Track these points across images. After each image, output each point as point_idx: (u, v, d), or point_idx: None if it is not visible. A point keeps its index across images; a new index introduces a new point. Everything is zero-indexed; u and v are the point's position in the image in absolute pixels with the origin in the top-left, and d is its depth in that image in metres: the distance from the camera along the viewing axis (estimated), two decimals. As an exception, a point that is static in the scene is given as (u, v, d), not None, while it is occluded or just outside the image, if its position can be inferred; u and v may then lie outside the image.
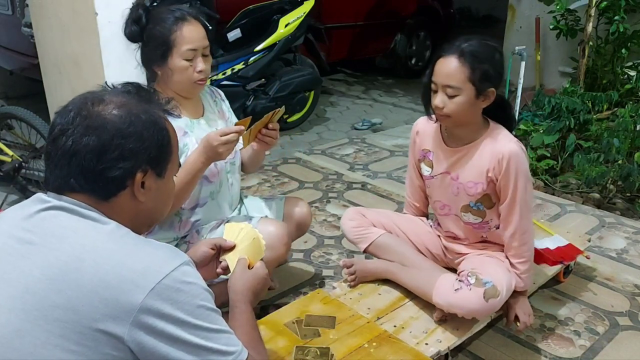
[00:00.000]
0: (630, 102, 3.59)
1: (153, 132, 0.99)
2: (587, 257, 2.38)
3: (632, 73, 3.99)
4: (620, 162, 3.17)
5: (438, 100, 1.66)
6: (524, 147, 1.73)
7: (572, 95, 3.65)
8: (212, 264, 1.35)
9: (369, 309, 1.86)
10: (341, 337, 1.70)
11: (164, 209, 1.11)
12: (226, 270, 1.32)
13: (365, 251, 2.03)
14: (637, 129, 3.26)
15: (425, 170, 1.88)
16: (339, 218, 2.90)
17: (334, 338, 1.70)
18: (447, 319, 1.79)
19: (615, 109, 3.72)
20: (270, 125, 1.80)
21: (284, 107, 1.83)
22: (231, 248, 1.34)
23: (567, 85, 3.89)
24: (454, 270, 1.94)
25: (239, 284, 1.22)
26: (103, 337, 0.87)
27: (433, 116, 1.77)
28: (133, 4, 1.77)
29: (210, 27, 1.83)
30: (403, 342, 1.71)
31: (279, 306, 1.98)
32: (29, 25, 3.27)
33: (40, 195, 0.99)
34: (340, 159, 3.81)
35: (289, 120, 4.38)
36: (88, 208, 0.96)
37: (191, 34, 1.73)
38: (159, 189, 1.04)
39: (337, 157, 3.83)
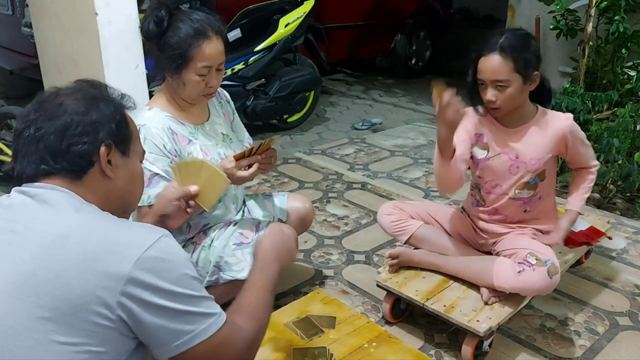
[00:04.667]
0: (630, 102, 3.58)
1: (110, 108, 1.06)
2: (610, 238, 2.44)
3: (632, 73, 3.98)
4: (620, 162, 3.17)
5: (490, 95, 1.78)
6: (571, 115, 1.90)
7: (572, 95, 3.65)
8: (180, 209, 1.45)
9: (416, 291, 1.91)
10: (341, 337, 1.71)
11: (135, 193, 1.15)
12: (195, 207, 1.44)
13: (406, 243, 2.10)
14: (637, 129, 3.25)
15: (480, 153, 1.94)
16: (339, 218, 2.91)
17: (334, 338, 1.70)
18: (499, 299, 1.86)
19: (615, 109, 3.71)
20: (263, 155, 1.78)
21: (278, 136, 1.85)
22: (196, 194, 1.44)
23: (567, 85, 3.89)
24: (487, 253, 2.04)
25: (266, 246, 1.28)
26: (94, 307, 0.90)
27: (480, 109, 1.91)
28: (155, 0, 1.72)
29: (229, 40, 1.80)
30: (403, 342, 1.72)
31: (279, 306, 1.98)
32: (29, 25, 3.27)
33: (16, 188, 1.02)
34: (340, 159, 3.81)
35: (289, 120, 4.38)
36: (65, 192, 0.99)
37: (209, 52, 1.69)
38: (126, 167, 1.09)
39: (337, 157, 3.83)
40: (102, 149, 1.02)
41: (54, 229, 0.93)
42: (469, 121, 1.95)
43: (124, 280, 0.90)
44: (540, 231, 2.00)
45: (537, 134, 1.87)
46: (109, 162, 1.04)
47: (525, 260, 1.80)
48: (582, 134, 1.92)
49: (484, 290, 1.88)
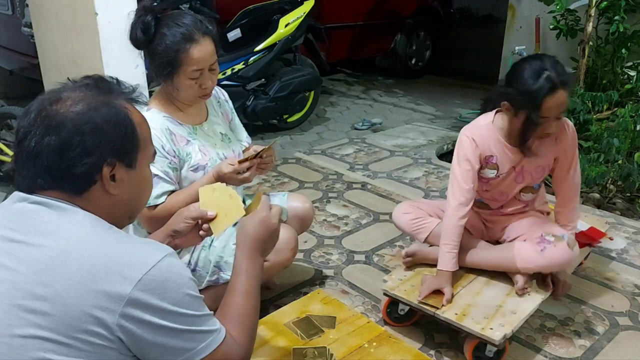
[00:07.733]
0: (630, 102, 3.59)
1: (114, 124, 0.98)
2: (611, 239, 2.46)
3: (632, 73, 3.99)
4: (620, 162, 3.17)
5: (555, 126, 1.81)
6: None
7: (572, 95, 3.65)
8: (194, 230, 1.38)
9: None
10: (341, 337, 1.70)
11: (142, 199, 1.11)
12: (208, 231, 1.37)
13: (425, 241, 2.12)
14: (637, 129, 3.25)
15: (490, 173, 1.99)
16: (339, 218, 2.91)
17: (334, 338, 1.70)
18: (527, 289, 1.92)
19: (615, 109, 3.71)
20: (264, 155, 1.80)
21: (277, 140, 1.84)
22: (212, 219, 1.37)
23: (567, 85, 3.89)
24: (495, 242, 2.13)
25: (247, 235, 1.21)
26: (92, 328, 0.88)
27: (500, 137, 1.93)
28: (140, 7, 1.71)
29: (219, 37, 1.77)
30: (403, 342, 1.72)
31: (279, 306, 1.99)
32: (29, 25, 3.27)
33: (18, 193, 0.99)
34: (340, 159, 3.81)
35: (289, 120, 4.38)
36: (66, 202, 0.96)
37: (198, 56, 1.67)
38: (132, 179, 1.03)
39: (337, 157, 3.83)
40: (105, 169, 0.97)
41: (53, 243, 0.91)
42: (476, 150, 1.93)
43: (124, 301, 0.88)
44: (540, 211, 2.12)
45: (543, 142, 1.91)
46: (113, 177, 0.99)
47: (544, 239, 1.91)
48: (577, 150, 1.97)
49: (519, 277, 1.92)
